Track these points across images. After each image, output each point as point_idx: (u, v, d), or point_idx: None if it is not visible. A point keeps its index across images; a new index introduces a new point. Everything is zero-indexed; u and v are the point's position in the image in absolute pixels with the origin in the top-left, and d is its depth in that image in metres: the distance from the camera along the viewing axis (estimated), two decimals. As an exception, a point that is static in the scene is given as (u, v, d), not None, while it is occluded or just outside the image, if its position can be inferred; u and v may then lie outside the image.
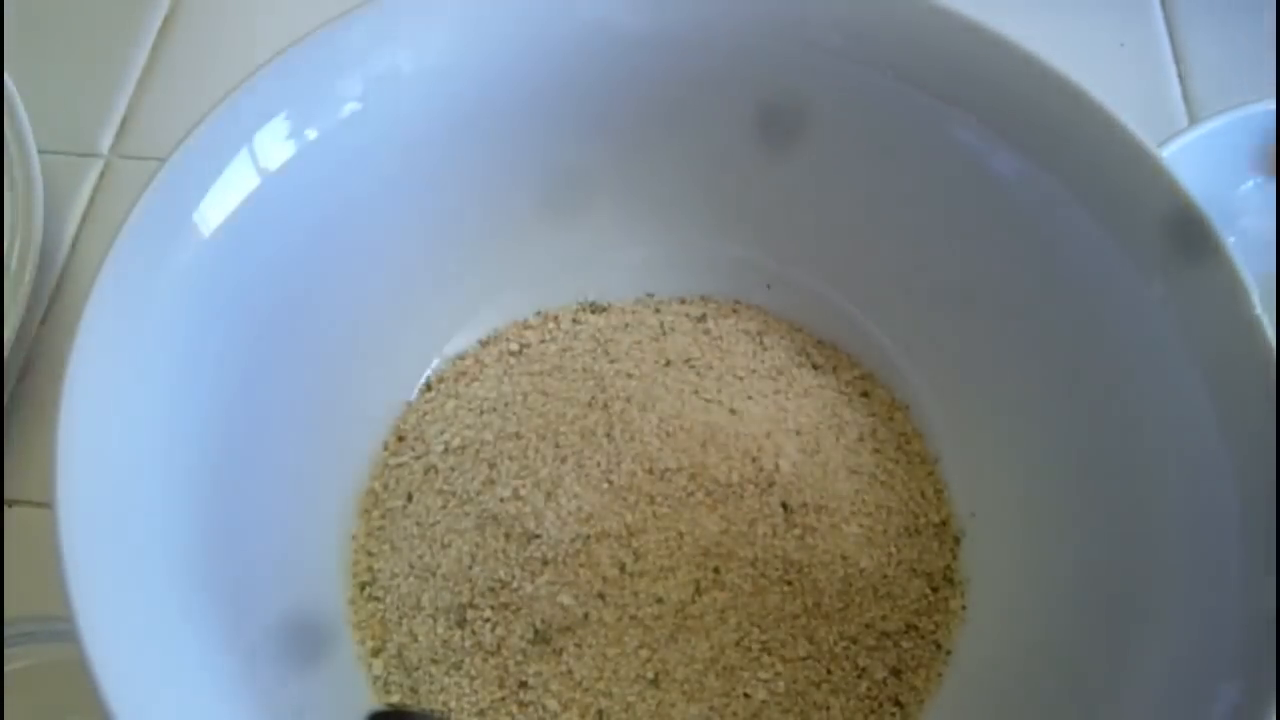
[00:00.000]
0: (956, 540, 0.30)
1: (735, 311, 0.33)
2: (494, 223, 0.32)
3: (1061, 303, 0.28)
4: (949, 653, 0.28)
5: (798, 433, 0.30)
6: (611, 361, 0.31)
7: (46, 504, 0.32)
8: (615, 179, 0.32)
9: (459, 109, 0.29)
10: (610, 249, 0.33)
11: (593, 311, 0.33)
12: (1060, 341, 0.29)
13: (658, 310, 0.33)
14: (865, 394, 0.32)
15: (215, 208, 0.25)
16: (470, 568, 0.28)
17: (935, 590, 0.29)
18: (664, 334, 0.32)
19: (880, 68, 0.29)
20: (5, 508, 0.32)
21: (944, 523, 0.30)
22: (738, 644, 0.27)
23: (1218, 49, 0.41)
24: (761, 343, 0.32)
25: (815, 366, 0.32)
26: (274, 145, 0.26)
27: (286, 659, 0.24)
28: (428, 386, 0.32)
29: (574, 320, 0.33)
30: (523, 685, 0.27)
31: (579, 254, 0.33)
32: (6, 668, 0.26)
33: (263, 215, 0.26)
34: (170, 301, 0.25)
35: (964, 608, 0.29)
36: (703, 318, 0.33)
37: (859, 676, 0.28)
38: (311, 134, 0.27)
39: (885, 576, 0.29)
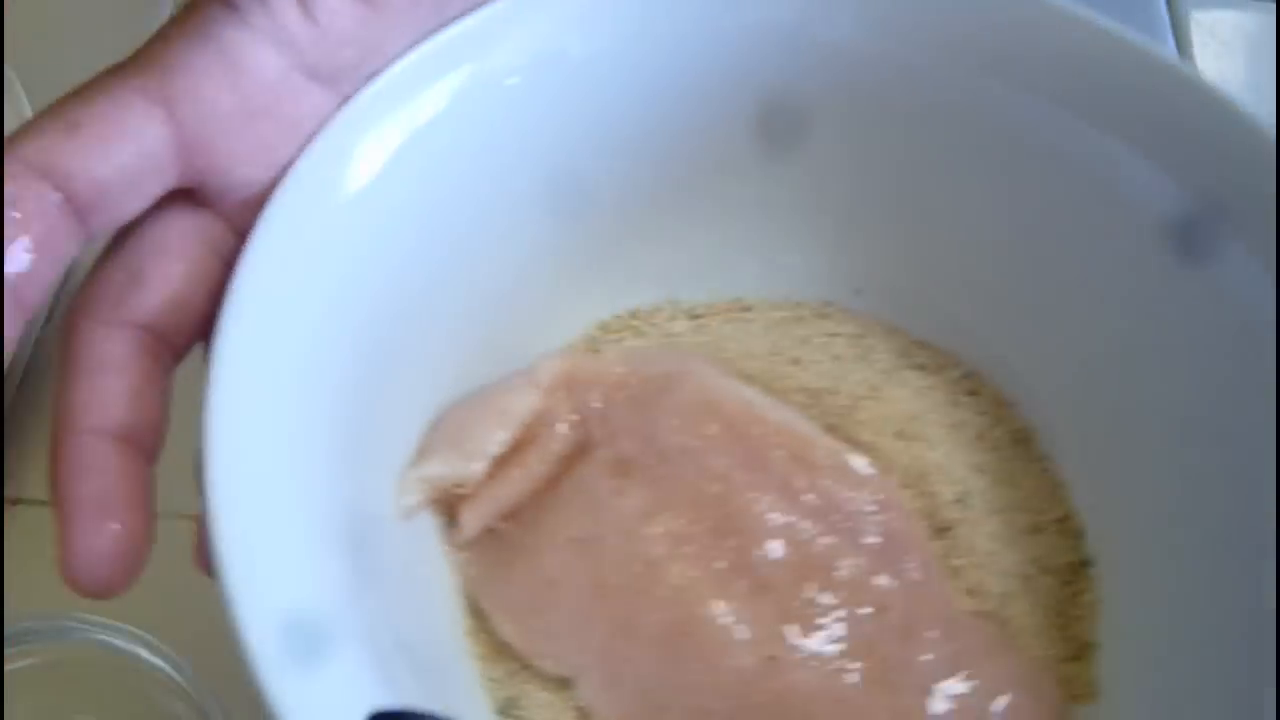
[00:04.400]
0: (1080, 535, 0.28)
1: (826, 316, 0.32)
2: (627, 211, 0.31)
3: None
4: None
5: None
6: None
7: (49, 503, 0.32)
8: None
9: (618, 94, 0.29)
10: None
11: (689, 317, 0.32)
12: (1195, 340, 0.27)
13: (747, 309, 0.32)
14: (973, 392, 0.31)
15: (370, 159, 0.25)
16: None
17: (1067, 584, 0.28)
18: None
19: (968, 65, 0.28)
20: (8, 506, 0.32)
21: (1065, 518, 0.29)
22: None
23: (1218, 48, 0.41)
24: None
25: (921, 367, 0.31)
26: (430, 104, 0.26)
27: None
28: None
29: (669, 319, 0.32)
30: None
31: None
32: (6, 668, 0.26)
33: (413, 167, 0.26)
34: (330, 252, 0.24)
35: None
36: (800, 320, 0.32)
37: None
38: (471, 98, 0.26)
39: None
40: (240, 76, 0.22)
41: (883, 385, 0.30)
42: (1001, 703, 0.26)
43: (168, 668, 0.26)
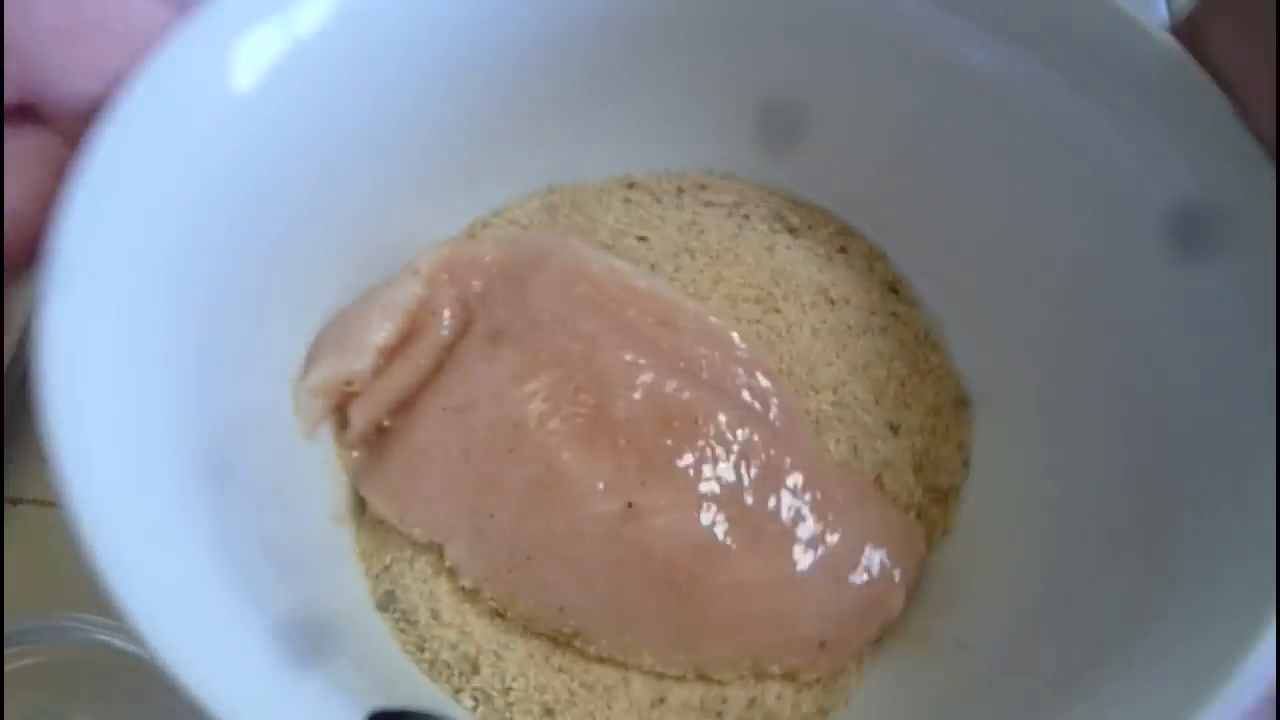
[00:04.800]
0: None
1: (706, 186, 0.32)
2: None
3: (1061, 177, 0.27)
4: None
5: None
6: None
7: (49, 503, 0.32)
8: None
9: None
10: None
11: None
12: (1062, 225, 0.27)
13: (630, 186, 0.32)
14: (843, 249, 0.31)
15: (245, 66, 0.25)
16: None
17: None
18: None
19: None
20: (8, 506, 0.32)
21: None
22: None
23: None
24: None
25: (791, 230, 0.31)
26: (310, 12, 0.26)
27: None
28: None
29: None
30: None
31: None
32: (6, 667, 0.26)
33: (292, 78, 0.26)
34: (186, 160, 0.24)
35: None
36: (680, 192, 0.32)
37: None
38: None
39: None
40: None
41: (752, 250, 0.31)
42: (869, 552, 0.26)
43: (168, 668, 0.26)
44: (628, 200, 0.32)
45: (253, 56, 0.25)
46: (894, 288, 0.31)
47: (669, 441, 0.26)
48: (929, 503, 0.28)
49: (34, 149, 0.23)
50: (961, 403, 0.29)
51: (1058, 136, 0.27)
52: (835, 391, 0.29)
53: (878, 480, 0.28)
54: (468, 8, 0.28)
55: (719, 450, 0.26)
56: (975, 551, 0.27)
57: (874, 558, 0.26)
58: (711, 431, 0.26)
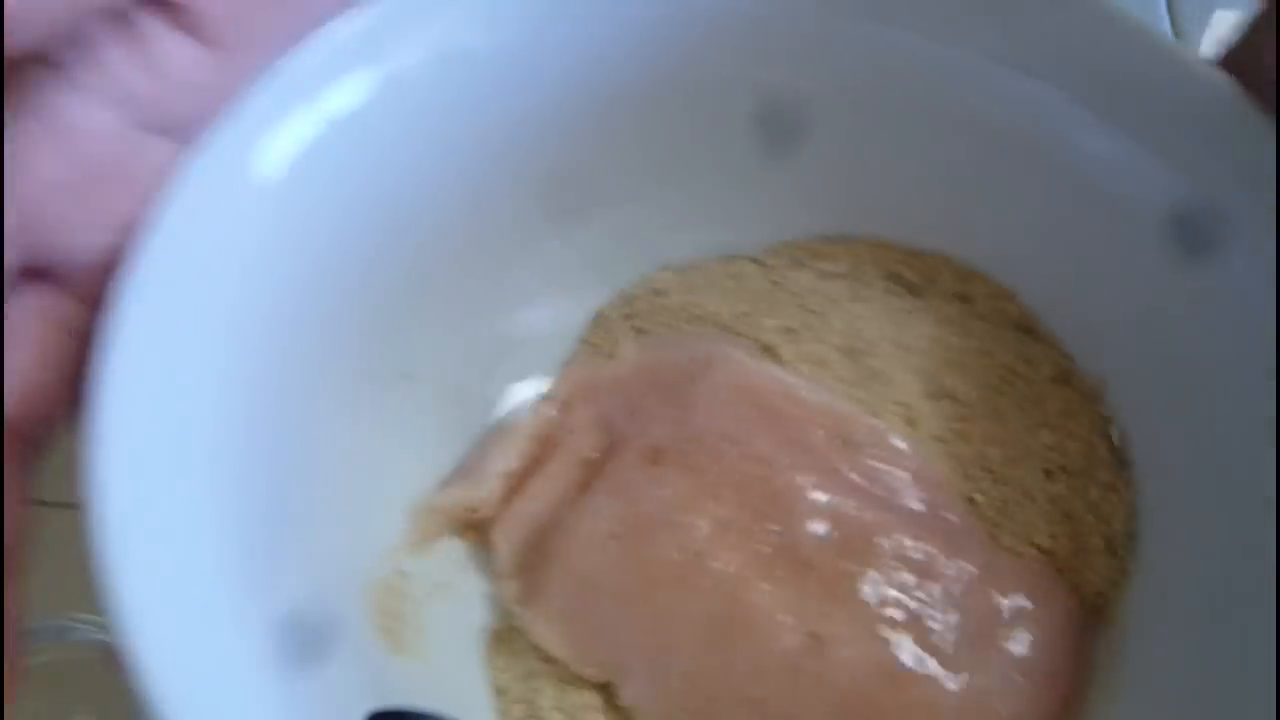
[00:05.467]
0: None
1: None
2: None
3: None
4: None
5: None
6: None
7: (54, 504, 0.32)
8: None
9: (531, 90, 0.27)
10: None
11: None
12: None
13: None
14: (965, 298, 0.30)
15: (276, 154, 0.24)
16: None
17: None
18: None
19: None
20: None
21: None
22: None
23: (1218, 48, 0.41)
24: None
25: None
26: (341, 96, 0.25)
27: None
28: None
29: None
30: None
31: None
32: (8, 667, 0.26)
33: (327, 164, 0.24)
34: (225, 255, 0.23)
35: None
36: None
37: None
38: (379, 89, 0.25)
39: None
40: (72, 142, 0.21)
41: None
42: (1053, 644, 0.26)
43: (168, 668, 0.26)
44: (738, 282, 0.30)
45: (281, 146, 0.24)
46: (1026, 327, 0.29)
47: (850, 566, 0.25)
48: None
49: (42, 310, 0.21)
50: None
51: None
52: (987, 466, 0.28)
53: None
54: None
55: (898, 571, 0.25)
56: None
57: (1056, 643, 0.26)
58: (890, 552, 0.25)
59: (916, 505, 0.27)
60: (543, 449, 0.28)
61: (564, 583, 0.26)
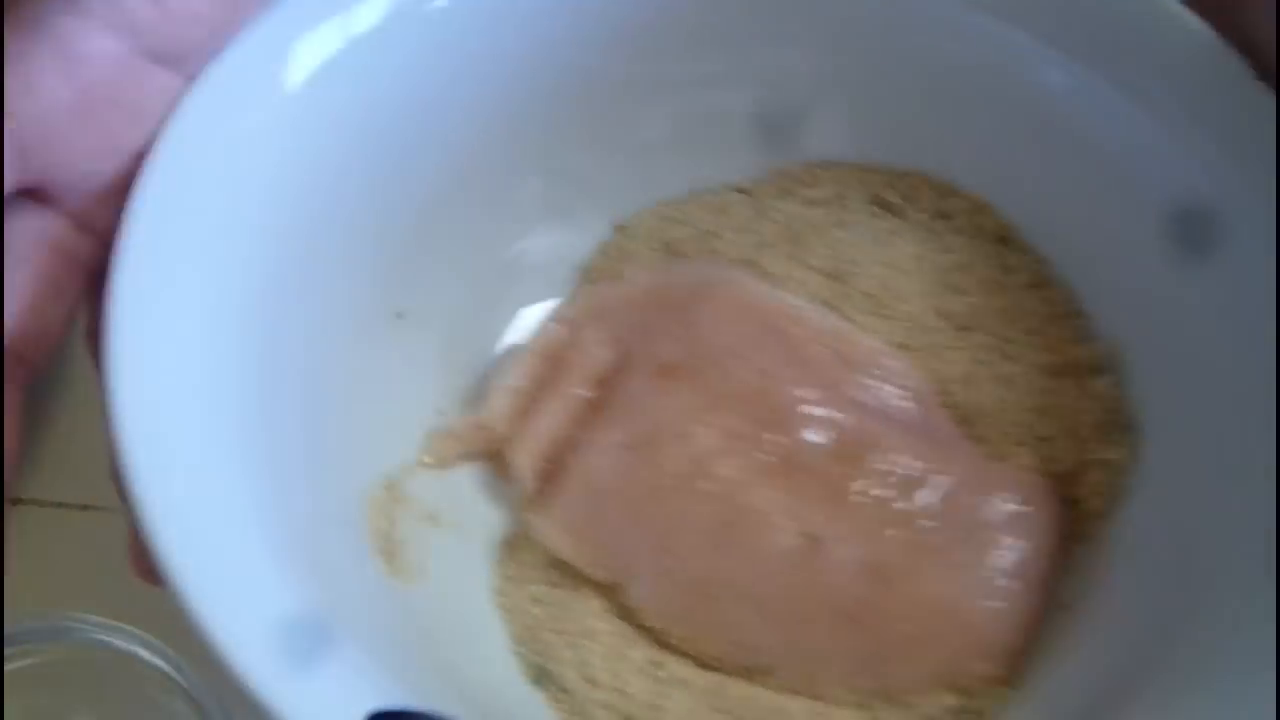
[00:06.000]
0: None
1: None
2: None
3: None
4: None
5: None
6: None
7: (50, 503, 0.32)
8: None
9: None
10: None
11: None
12: None
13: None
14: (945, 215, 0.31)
15: (299, 65, 0.25)
16: None
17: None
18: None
19: None
20: (8, 506, 0.32)
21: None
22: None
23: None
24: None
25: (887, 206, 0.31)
26: (362, 14, 0.26)
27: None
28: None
29: None
30: None
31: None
32: (6, 668, 0.26)
33: (348, 77, 0.25)
34: (245, 159, 0.24)
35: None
36: None
37: None
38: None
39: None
40: (77, 66, 0.21)
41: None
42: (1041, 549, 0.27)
43: (168, 668, 0.26)
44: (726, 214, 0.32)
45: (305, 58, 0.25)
46: (1003, 238, 0.31)
47: (847, 472, 0.27)
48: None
49: (41, 233, 0.22)
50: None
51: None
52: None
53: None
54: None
55: (892, 477, 0.27)
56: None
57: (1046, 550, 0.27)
58: (885, 460, 0.27)
59: (910, 417, 0.28)
60: (554, 368, 0.29)
61: (578, 493, 0.27)
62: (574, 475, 0.27)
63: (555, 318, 0.29)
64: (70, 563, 0.30)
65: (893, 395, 0.28)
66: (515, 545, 0.28)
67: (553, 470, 0.28)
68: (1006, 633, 0.26)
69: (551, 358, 0.29)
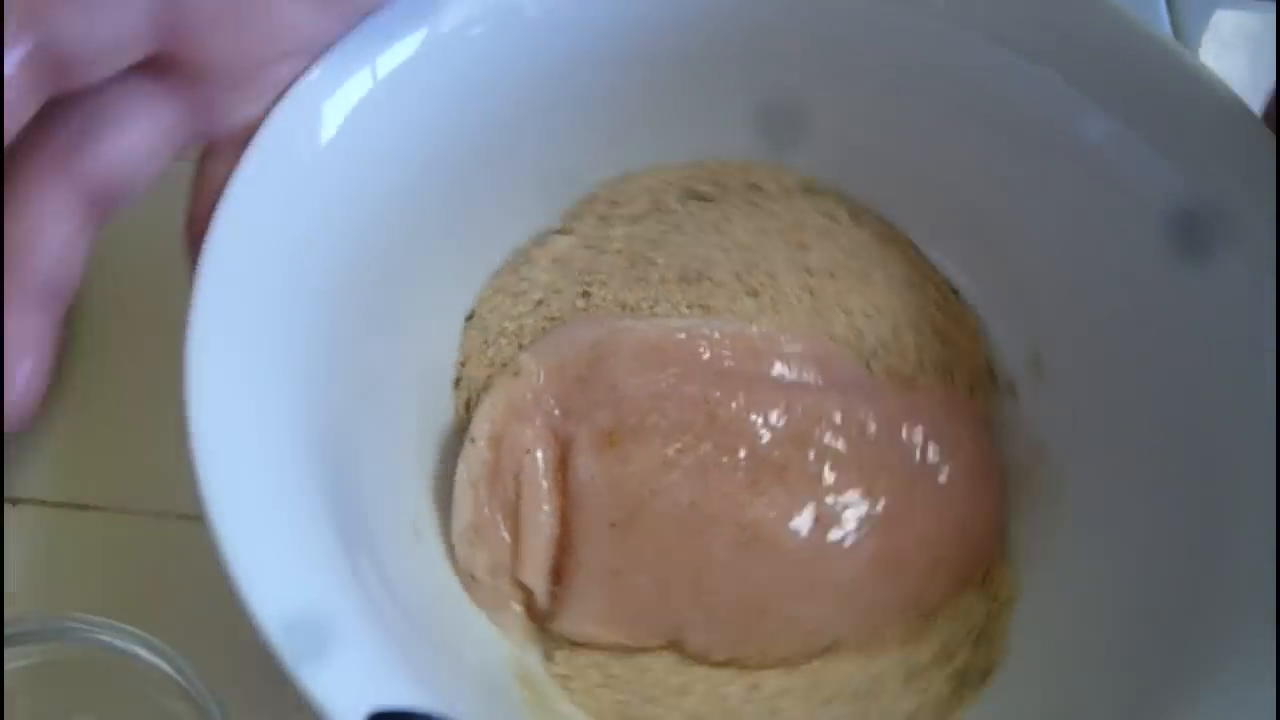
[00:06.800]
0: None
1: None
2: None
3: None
4: None
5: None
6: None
7: (49, 503, 0.32)
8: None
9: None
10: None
11: None
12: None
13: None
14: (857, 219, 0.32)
15: (335, 114, 0.26)
16: None
17: None
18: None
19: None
20: (8, 506, 0.31)
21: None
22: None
23: (1218, 48, 0.41)
24: None
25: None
26: (392, 56, 0.27)
27: None
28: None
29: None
30: None
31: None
32: (6, 667, 0.26)
33: (379, 119, 0.26)
34: (298, 218, 0.25)
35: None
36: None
37: None
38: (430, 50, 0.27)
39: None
40: None
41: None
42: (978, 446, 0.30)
43: (168, 668, 0.26)
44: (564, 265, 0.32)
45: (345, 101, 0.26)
46: (808, 188, 0.32)
47: (810, 451, 0.28)
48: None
49: (155, 116, 0.23)
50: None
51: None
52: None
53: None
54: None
55: (850, 433, 0.29)
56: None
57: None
58: (832, 423, 0.29)
59: (829, 377, 0.30)
60: (503, 486, 0.28)
61: (591, 585, 0.28)
62: (579, 569, 0.28)
63: (471, 437, 0.29)
64: (70, 563, 0.30)
65: (803, 365, 0.30)
66: (551, 649, 0.28)
67: (555, 573, 0.28)
68: (994, 514, 0.29)
69: (490, 478, 0.29)
